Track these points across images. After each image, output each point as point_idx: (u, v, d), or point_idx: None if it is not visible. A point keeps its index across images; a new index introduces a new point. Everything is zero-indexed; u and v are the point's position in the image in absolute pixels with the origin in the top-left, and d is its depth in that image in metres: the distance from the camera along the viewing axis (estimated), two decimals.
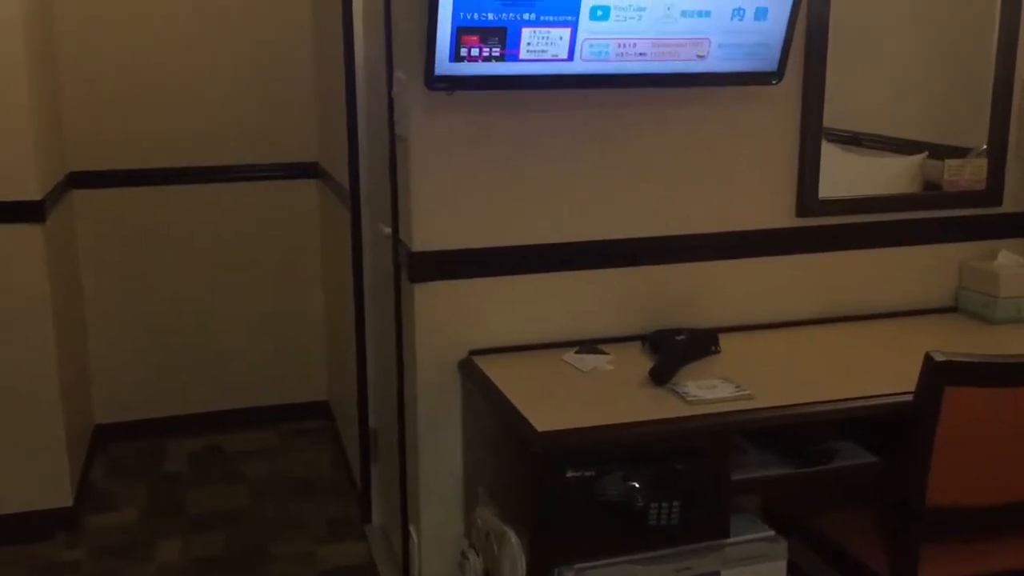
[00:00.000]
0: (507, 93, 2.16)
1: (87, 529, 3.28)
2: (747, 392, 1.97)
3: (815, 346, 2.33)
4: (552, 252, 2.28)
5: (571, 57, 2.07)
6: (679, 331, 2.30)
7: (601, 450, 1.82)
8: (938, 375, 1.86)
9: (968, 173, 2.52)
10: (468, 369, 2.22)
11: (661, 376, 2.05)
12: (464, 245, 2.23)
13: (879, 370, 2.15)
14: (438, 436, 2.30)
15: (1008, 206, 2.56)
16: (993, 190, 2.54)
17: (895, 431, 1.95)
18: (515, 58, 2.04)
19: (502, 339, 2.29)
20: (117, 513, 3.41)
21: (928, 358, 1.87)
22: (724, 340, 2.28)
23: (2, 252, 3.05)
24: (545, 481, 1.80)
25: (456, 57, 2.00)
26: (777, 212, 2.42)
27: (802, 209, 2.42)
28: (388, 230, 2.48)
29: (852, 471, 1.99)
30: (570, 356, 2.23)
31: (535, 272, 2.28)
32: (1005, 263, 2.49)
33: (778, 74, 2.24)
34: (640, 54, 2.12)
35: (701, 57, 2.16)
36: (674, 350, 2.19)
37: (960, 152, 2.53)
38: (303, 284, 4.23)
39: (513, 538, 1.88)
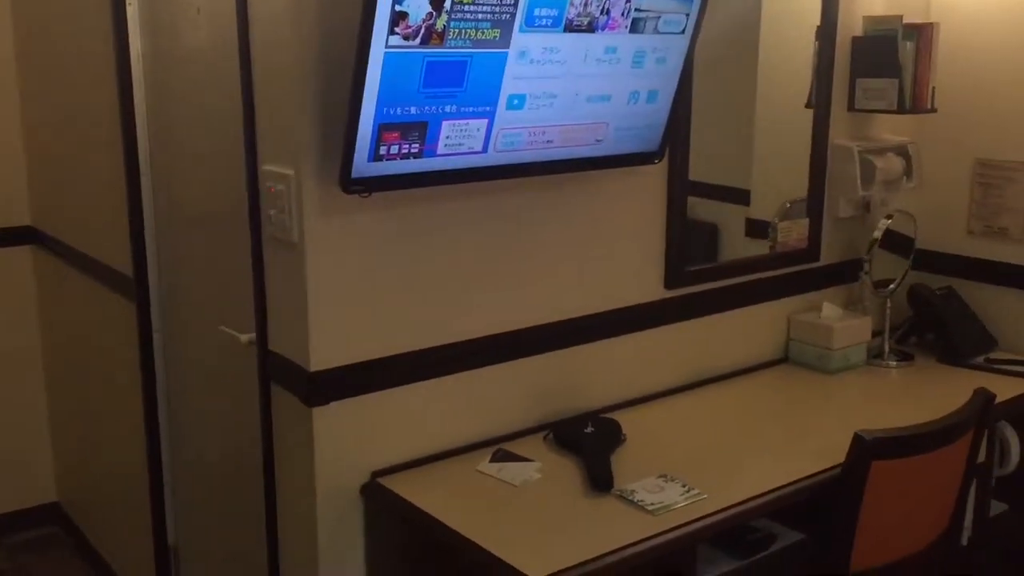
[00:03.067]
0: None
1: None
2: (696, 492, 1.92)
3: (699, 419, 2.35)
4: (446, 352, 2.09)
5: (485, 149, 1.90)
6: (581, 421, 2.21)
7: None
8: (867, 452, 1.94)
9: (795, 233, 2.67)
10: (377, 495, 1.97)
11: (605, 482, 1.95)
12: (364, 357, 1.97)
13: (782, 440, 2.22)
14: (343, 571, 2.02)
15: (825, 259, 2.76)
16: (813, 247, 2.72)
17: (815, 505, 2.01)
18: (433, 153, 1.83)
19: (403, 454, 2.06)
20: None
21: (858, 438, 1.94)
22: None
23: None
24: None
25: (375, 156, 1.75)
26: (647, 285, 2.40)
27: (669, 280, 2.42)
28: (245, 337, 2.13)
29: (787, 552, 2.03)
30: (486, 466, 2.05)
31: (433, 377, 2.07)
32: (831, 315, 2.68)
33: (659, 153, 2.23)
34: (548, 141, 2.00)
35: (599, 141, 2.09)
36: (591, 446, 2.09)
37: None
38: (17, 369, 3.56)
39: None
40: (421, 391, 2.06)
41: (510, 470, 2.03)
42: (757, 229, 2.68)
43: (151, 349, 2.67)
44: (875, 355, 2.72)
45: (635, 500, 1.89)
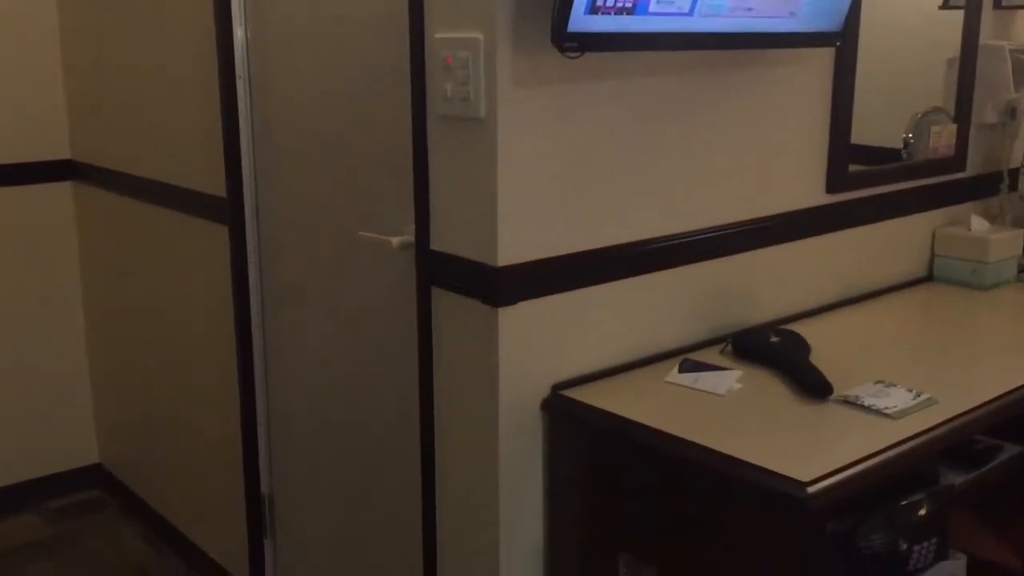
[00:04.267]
0: (592, 56, 1.69)
1: None
2: (928, 396, 1.73)
3: (875, 331, 2.15)
4: (623, 253, 1.86)
5: (692, 11, 1.67)
6: (760, 332, 2.01)
7: (858, 495, 1.48)
8: None
9: (944, 138, 2.49)
10: (562, 408, 1.75)
11: (823, 387, 1.74)
12: (549, 253, 1.74)
13: (978, 352, 2.04)
14: (521, 498, 1.79)
15: (971, 170, 2.58)
16: (960, 155, 2.53)
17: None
18: (645, 11, 1.60)
19: (582, 366, 1.83)
20: None
21: None
22: None
23: None
24: (808, 545, 1.43)
25: (592, 7, 1.52)
26: (811, 188, 2.20)
27: (832, 184, 2.22)
28: (397, 240, 1.88)
29: (1013, 462, 1.84)
30: (676, 376, 1.84)
31: (611, 280, 1.85)
32: (981, 228, 2.50)
33: (841, 35, 2.02)
34: (748, 9, 1.77)
35: (793, 15, 1.87)
36: (786, 355, 1.89)
37: None
38: (56, 320, 3.27)
39: None
40: (599, 295, 1.83)
41: (708, 379, 1.82)
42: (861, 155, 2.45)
43: (246, 276, 2.41)
44: (1022, 271, 2.55)
45: (867, 405, 1.69)
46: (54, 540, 3.05)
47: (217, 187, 2.42)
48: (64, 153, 3.20)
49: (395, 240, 1.89)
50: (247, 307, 2.43)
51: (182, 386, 2.81)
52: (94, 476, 3.39)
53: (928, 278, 2.55)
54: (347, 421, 2.22)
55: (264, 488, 2.55)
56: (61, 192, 3.22)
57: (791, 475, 1.44)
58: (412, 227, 1.85)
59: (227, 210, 2.39)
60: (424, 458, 1.91)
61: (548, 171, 1.71)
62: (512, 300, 1.70)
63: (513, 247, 1.68)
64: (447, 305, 1.80)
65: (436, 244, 1.80)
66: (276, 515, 2.55)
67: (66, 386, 3.30)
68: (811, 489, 1.41)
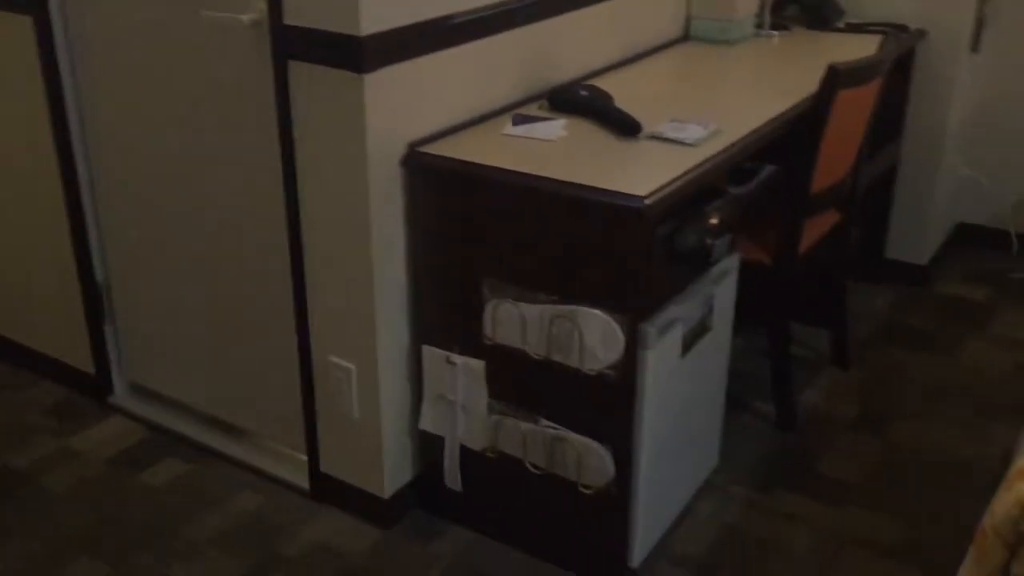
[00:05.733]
0: None
1: None
2: (715, 127, 2.13)
3: (658, 83, 2.53)
4: (464, 22, 2.08)
5: None
6: (570, 87, 2.32)
7: (674, 205, 1.87)
8: (836, 80, 2.24)
9: None
10: (418, 162, 2.01)
11: (634, 126, 2.10)
12: (401, 22, 1.93)
13: (739, 92, 2.48)
14: (389, 248, 2.05)
15: None
16: None
17: (781, 142, 2.30)
18: None
19: (430, 126, 2.08)
20: None
21: (832, 68, 2.23)
22: None
23: None
24: (644, 244, 1.81)
25: None
26: None
27: None
28: (247, 17, 1.98)
29: (770, 179, 2.32)
30: (511, 129, 2.13)
31: (450, 46, 2.07)
32: None
33: None
34: None
35: None
36: (596, 103, 2.22)
37: None
38: None
39: (598, 312, 1.86)
40: (442, 61, 2.05)
41: (538, 129, 2.12)
42: None
43: (57, 72, 2.38)
44: (757, 25, 3.01)
45: (670, 137, 2.07)
46: None
47: None
48: None
49: (245, 17, 1.99)
50: (61, 104, 2.42)
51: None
52: None
53: (685, 38, 2.96)
54: (194, 196, 2.33)
55: (99, 277, 2.62)
56: None
57: (632, 192, 1.80)
58: (260, 3, 1.96)
59: None
60: (291, 219, 2.10)
61: None
62: (374, 67, 1.89)
63: (373, 17, 1.86)
64: (306, 76, 1.95)
65: (290, 19, 1.93)
66: (114, 303, 2.64)
67: None
68: (647, 201, 1.78)
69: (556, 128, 2.13)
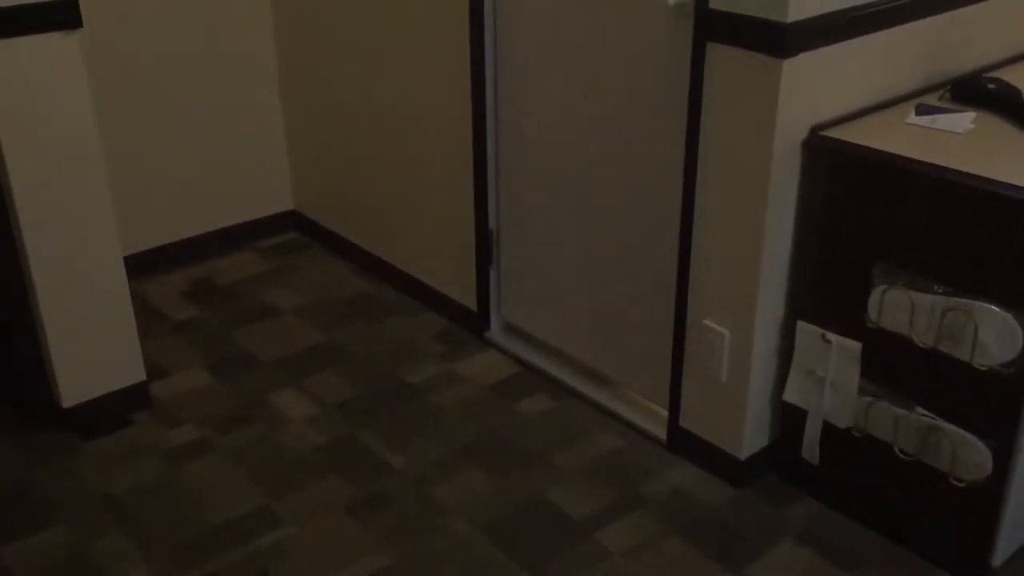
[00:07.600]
0: None
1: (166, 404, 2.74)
2: None
3: None
4: (871, 11, 2.12)
5: None
6: (976, 78, 2.29)
7: None
8: None
9: None
10: (820, 146, 2.08)
11: None
12: (827, 9, 2.01)
13: None
14: (779, 224, 2.16)
15: None
16: None
17: None
18: None
19: (833, 110, 2.15)
20: (183, 378, 2.86)
21: None
22: None
23: None
24: None
25: None
26: None
27: None
28: (673, 0, 2.15)
29: None
30: (914, 118, 2.15)
31: (867, 33, 2.12)
32: None
33: None
34: None
35: None
36: (1004, 97, 2.19)
37: None
38: (253, 74, 3.55)
39: (996, 309, 1.87)
40: (849, 49, 2.11)
41: (944, 120, 2.13)
42: None
43: (481, 20, 2.66)
44: None
45: None
46: (277, 272, 3.48)
47: None
48: None
49: (671, 0, 2.15)
50: (481, 45, 2.70)
51: (415, 132, 3.08)
52: (290, 221, 3.79)
53: None
54: (591, 157, 2.54)
55: (491, 224, 2.93)
56: None
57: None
58: None
59: None
60: (687, 185, 2.25)
61: None
62: (793, 53, 1.99)
63: (799, 5, 1.95)
64: (723, 57, 2.09)
65: (716, 4, 2.06)
66: (500, 250, 2.95)
67: (261, 137, 3.62)
68: None
69: (964, 121, 2.12)
